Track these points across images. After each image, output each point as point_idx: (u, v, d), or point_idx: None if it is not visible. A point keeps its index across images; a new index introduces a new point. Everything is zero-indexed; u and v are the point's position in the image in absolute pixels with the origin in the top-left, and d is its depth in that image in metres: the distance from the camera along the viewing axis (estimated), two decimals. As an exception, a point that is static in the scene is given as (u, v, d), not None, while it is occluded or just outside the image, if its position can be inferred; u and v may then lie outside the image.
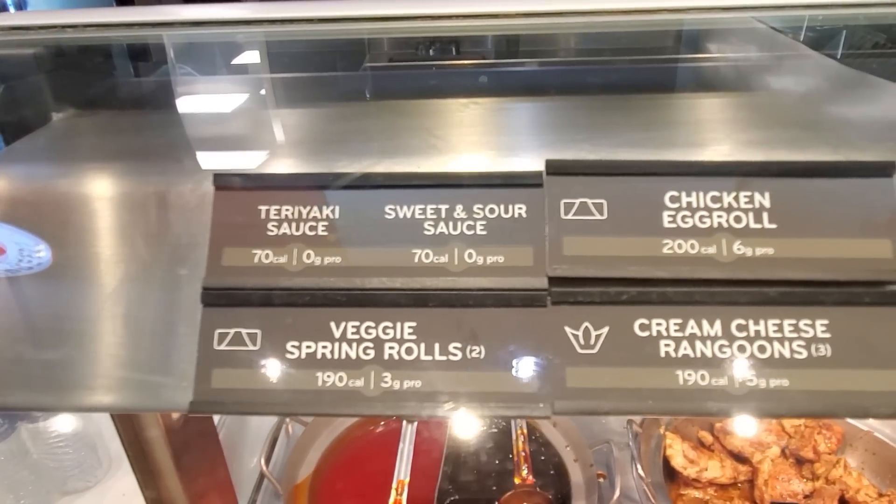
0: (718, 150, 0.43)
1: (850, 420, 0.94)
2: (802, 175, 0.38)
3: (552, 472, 0.94)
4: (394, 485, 0.81)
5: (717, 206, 0.37)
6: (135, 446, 0.63)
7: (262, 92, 0.69)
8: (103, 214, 0.41)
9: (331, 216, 0.39)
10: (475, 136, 0.49)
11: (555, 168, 0.39)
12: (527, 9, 0.53)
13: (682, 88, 0.66)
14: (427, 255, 0.38)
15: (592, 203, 0.38)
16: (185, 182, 0.41)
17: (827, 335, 0.35)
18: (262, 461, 0.91)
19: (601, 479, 0.93)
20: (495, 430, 1.02)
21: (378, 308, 0.37)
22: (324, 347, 0.37)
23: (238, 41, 0.72)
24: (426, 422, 0.98)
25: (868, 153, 0.39)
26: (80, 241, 0.40)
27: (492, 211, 0.38)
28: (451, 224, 0.38)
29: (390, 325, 0.37)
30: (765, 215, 0.37)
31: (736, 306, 0.36)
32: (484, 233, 0.38)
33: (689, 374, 0.35)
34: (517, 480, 0.88)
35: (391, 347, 0.37)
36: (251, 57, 0.73)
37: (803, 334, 0.35)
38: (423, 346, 0.37)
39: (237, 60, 0.73)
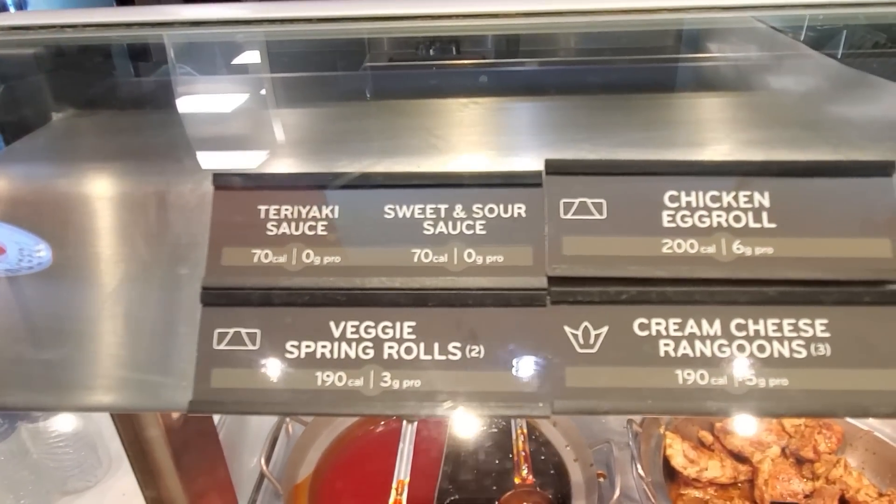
0: (718, 150, 0.43)
1: (850, 420, 0.94)
2: (802, 174, 0.38)
3: (552, 471, 0.94)
4: (394, 485, 0.82)
5: (717, 205, 0.37)
6: (135, 446, 0.63)
7: (262, 92, 0.69)
8: (103, 214, 0.41)
9: (330, 216, 0.39)
10: (475, 136, 0.49)
11: (554, 168, 0.39)
12: (527, 8, 0.53)
13: (682, 88, 0.66)
14: (426, 255, 0.38)
15: (592, 203, 0.38)
16: (185, 182, 0.41)
17: (826, 334, 0.35)
18: (262, 461, 0.91)
19: (601, 479, 0.93)
20: (495, 430, 1.02)
21: (377, 308, 0.37)
22: (323, 347, 0.37)
23: (238, 41, 0.72)
24: (426, 421, 0.98)
25: (868, 152, 0.39)
26: (80, 241, 0.40)
27: (491, 210, 0.38)
28: (450, 224, 0.38)
29: (390, 324, 0.37)
30: (764, 215, 0.37)
31: (735, 306, 0.36)
32: (483, 232, 0.38)
33: (689, 374, 0.35)
34: (517, 480, 0.88)
35: (391, 347, 0.37)
36: (251, 57, 0.73)
37: (803, 334, 0.35)
38: (422, 345, 0.37)
39: (237, 60, 0.73)
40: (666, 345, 0.36)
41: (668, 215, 0.37)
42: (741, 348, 0.35)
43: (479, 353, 0.36)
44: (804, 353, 0.35)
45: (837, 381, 0.35)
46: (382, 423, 1.04)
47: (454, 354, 0.37)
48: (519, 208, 0.38)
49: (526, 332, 0.37)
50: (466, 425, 1.02)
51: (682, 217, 0.37)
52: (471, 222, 0.38)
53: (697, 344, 0.36)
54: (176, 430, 0.63)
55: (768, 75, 0.66)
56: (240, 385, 0.37)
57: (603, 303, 0.36)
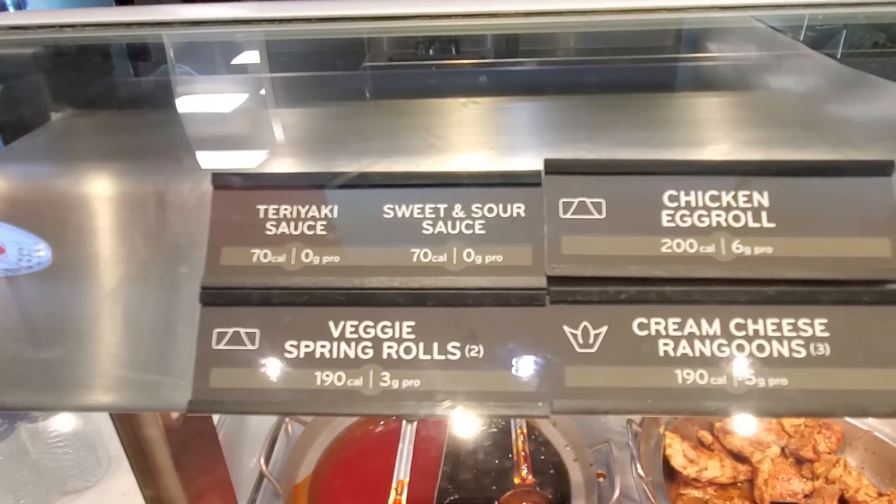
0: (717, 150, 0.43)
1: (849, 419, 0.94)
2: (801, 174, 0.38)
3: (552, 471, 0.94)
4: (393, 485, 0.81)
5: (716, 205, 0.37)
6: (134, 446, 0.63)
7: (262, 91, 0.69)
8: (102, 214, 0.41)
9: (329, 215, 0.39)
10: (474, 136, 0.49)
11: (553, 167, 0.39)
12: (526, 8, 0.53)
13: (682, 88, 0.66)
14: (426, 255, 0.38)
15: (591, 202, 0.38)
16: (184, 181, 0.41)
17: (826, 334, 0.35)
18: (262, 461, 0.91)
19: (601, 479, 0.93)
20: (495, 430, 1.02)
21: (377, 307, 0.37)
22: (322, 347, 0.37)
23: (237, 41, 0.72)
24: (425, 421, 0.98)
25: (867, 152, 0.39)
26: (80, 241, 0.40)
27: (490, 210, 0.38)
28: (449, 223, 0.38)
29: (389, 324, 0.37)
30: (763, 214, 0.37)
31: (735, 305, 0.36)
32: (483, 232, 0.38)
33: (688, 374, 0.35)
34: (517, 480, 0.88)
35: (390, 347, 0.37)
36: (250, 56, 0.73)
37: (802, 333, 0.35)
38: (421, 345, 0.37)
39: (236, 60, 0.73)
40: (665, 344, 0.36)
41: (668, 215, 0.37)
42: (740, 348, 0.35)
43: (478, 352, 0.36)
44: (803, 353, 0.35)
45: (837, 381, 0.35)
46: (382, 423, 1.04)
47: (453, 354, 0.37)
48: (518, 208, 0.38)
49: (525, 331, 0.37)
50: (466, 425, 1.02)
51: (682, 217, 0.37)
52: (470, 222, 0.38)
53: (697, 343, 0.36)
54: (175, 429, 0.63)
55: (768, 75, 0.66)
56: (239, 385, 0.37)
57: (602, 302, 0.36)
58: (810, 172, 0.38)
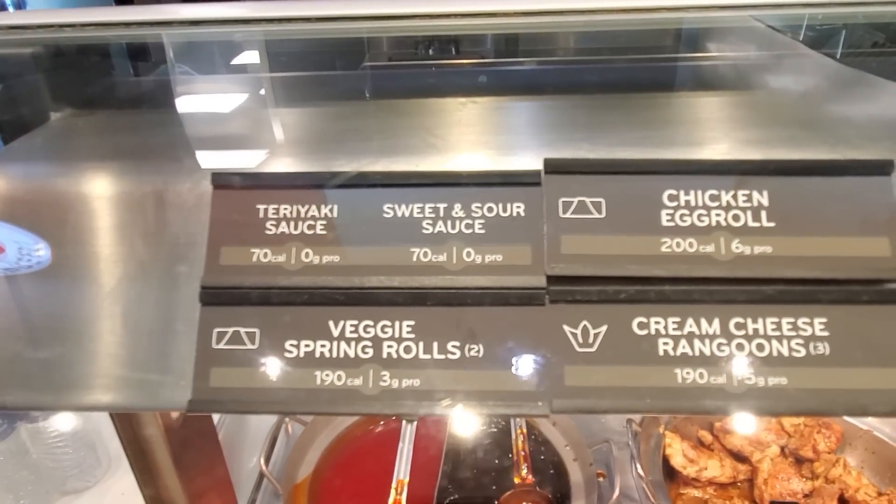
0: (717, 149, 0.43)
1: (849, 419, 0.94)
2: (801, 173, 0.38)
3: (552, 471, 0.94)
4: (393, 484, 0.81)
5: (716, 204, 0.37)
6: (134, 445, 0.63)
7: (261, 91, 0.69)
8: (102, 213, 0.41)
9: (329, 215, 0.39)
10: (474, 136, 0.49)
11: (553, 167, 0.39)
12: (526, 8, 0.53)
13: (681, 87, 0.66)
14: (425, 254, 0.38)
15: (591, 202, 0.38)
16: (184, 181, 0.41)
17: (825, 333, 0.35)
18: (262, 461, 0.91)
19: (601, 479, 0.93)
20: (495, 430, 1.02)
21: (377, 307, 0.37)
22: (322, 346, 0.37)
23: (237, 40, 0.72)
24: (425, 421, 0.98)
25: (866, 151, 0.39)
26: (79, 240, 0.40)
27: (490, 210, 0.38)
28: (449, 223, 0.38)
29: (389, 323, 0.37)
30: (763, 214, 0.37)
31: (734, 304, 0.36)
32: (482, 231, 0.38)
33: (688, 373, 0.35)
34: (517, 479, 0.88)
35: (390, 346, 0.37)
36: (250, 56, 0.73)
37: (802, 332, 0.35)
38: (421, 344, 0.37)
39: (236, 60, 0.73)
40: (665, 344, 0.36)
41: (667, 214, 0.37)
42: (740, 347, 0.35)
43: (478, 352, 0.36)
44: (803, 352, 0.35)
45: (836, 380, 0.35)
46: (382, 422, 1.04)
47: (453, 353, 0.37)
48: (518, 207, 0.38)
49: (525, 331, 0.37)
50: (466, 425, 1.02)
51: (681, 216, 0.37)
52: (470, 221, 0.38)
53: (696, 343, 0.36)
54: (175, 429, 0.63)
55: (767, 75, 0.66)
56: (239, 384, 0.37)
57: (602, 302, 0.36)
58: (810, 172, 0.38)
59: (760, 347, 0.35)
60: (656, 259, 0.36)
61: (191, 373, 0.37)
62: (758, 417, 0.94)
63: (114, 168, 0.43)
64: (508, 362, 0.36)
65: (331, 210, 0.39)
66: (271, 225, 0.39)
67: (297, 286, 0.38)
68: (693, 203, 0.37)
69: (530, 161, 0.39)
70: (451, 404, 0.36)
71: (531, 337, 0.36)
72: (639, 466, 0.86)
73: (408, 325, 0.37)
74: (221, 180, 0.40)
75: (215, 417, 0.90)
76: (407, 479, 0.82)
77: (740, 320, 0.36)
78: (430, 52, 0.78)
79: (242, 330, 0.37)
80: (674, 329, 0.36)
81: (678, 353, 0.35)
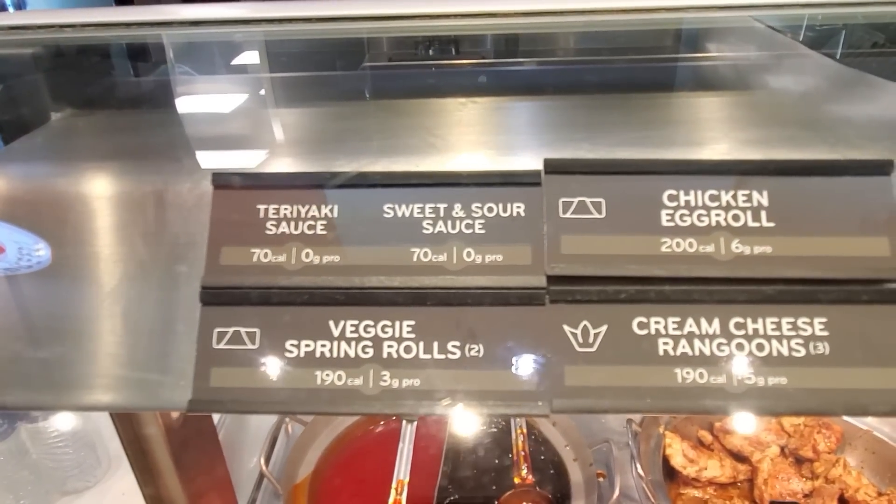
0: (717, 149, 0.43)
1: (849, 419, 0.94)
2: (800, 173, 0.38)
3: (552, 471, 0.94)
4: (393, 484, 0.81)
5: (716, 204, 0.37)
6: (134, 445, 0.63)
7: (261, 91, 0.69)
8: (102, 213, 0.41)
9: (329, 215, 0.39)
10: (474, 136, 0.49)
11: (553, 167, 0.39)
12: (526, 8, 0.53)
13: (681, 87, 0.66)
14: (426, 254, 0.38)
15: (591, 202, 0.38)
16: (184, 181, 0.41)
17: (825, 333, 0.35)
18: (262, 461, 0.91)
19: (601, 479, 0.93)
20: (495, 430, 1.02)
21: (377, 307, 0.37)
22: (322, 346, 0.37)
23: (237, 41, 0.72)
24: (426, 421, 0.98)
25: (866, 151, 0.39)
26: (80, 240, 0.40)
27: (490, 210, 0.38)
28: (449, 223, 0.38)
29: (389, 323, 0.37)
30: (763, 214, 0.37)
31: (734, 304, 0.36)
32: (482, 231, 0.38)
33: (688, 373, 0.35)
34: (517, 479, 0.88)
35: (390, 346, 0.37)
36: (250, 56, 0.73)
37: (801, 332, 0.35)
38: (421, 344, 0.37)
39: (236, 60, 0.73)
40: (665, 343, 0.36)
41: (667, 214, 0.37)
42: (740, 347, 0.35)
43: (478, 351, 0.37)
44: (803, 352, 0.35)
45: (836, 380, 0.35)
46: (382, 422, 1.04)
47: (453, 353, 0.37)
48: (518, 207, 0.38)
49: (525, 330, 0.37)
50: (466, 425, 1.02)
51: (681, 216, 0.37)
52: (470, 221, 0.38)
53: (696, 343, 0.36)
54: (175, 429, 0.63)
55: (767, 75, 0.66)
56: (239, 384, 0.37)
57: (602, 302, 0.37)
58: (809, 172, 0.38)
59: (760, 347, 0.35)
60: (656, 259, 0.36)
61: (191, 373, 0.37)
62: (758, 417, 0.94)
63: (114, 168, 0.43)
64: (508, 362, 0.36)
65: (331, 210, 0.39)
66: (271, 225, 0.39)
67: (297, 286, 0.38)
68: (693, 203, 0.37)
69: (530, 161, 0.39)
70: (451, 404, 0.36)
71: (531, 337, 0.36)
72: (639, 466, 0.86)
73: (408, 325, 0.37)
74: (221, 180, 0.40)
75: (215, 417, 0.90)
76: (407, 479, 0.82)
77: (740, 320, 0.36)
78: (430, 52, 0.78)
79: (243, 330, 0.37)
80: (674, 329, 0.36)
81: (678, 352, 0.36)
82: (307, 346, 0.37)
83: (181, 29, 0.59)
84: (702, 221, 0.37)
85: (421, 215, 0.38)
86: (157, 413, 0.61)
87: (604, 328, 0.36)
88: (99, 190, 0.41)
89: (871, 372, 0.35)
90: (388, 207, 0.39)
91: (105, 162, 0.44)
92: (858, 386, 0.35)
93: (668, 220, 0.37)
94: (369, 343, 0.37)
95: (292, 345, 0.37)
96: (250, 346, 0.37)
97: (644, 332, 0.36)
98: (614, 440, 0.95)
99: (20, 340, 0.39)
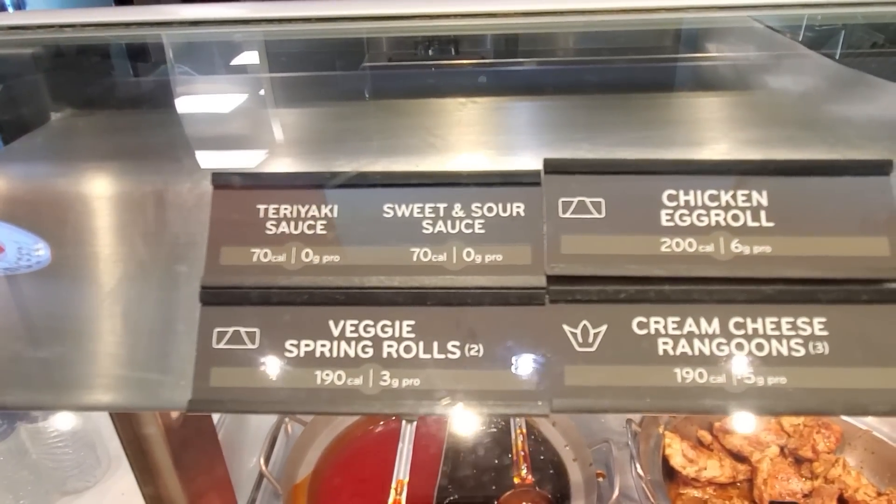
0: (716, 149, 0.43)
1: (848, 419, 0.94)
2: (800, 173, 0.38)
3: (551, 471, 0.95)
4: (393, 484, 0.82)
5: (715, 204, 0.37)
6: (133, 444, 0.63)
7: (261, 91, 0.69)
8: (102, 213, 0.41)
9: (329, 215, 0.39)
10: (473, 136, 0.50)
11: (553, 167, 0.39)
12: (525, 8, 0.53)
13: (680, 87, 0.66)
14: (426, 254, 0.38)
15: (590, 202, 0.38)
16: (184, 181, 0.41)
17: (824, 333, 0.35)
18: (262, 461, 0.91)
19: (600, 479, 0.93)
20: (494, 430, 1.02)
21: (377, 306, 0.37)
22: (322, 346, 0.37)
23: (237, 41, 0.72)
24: (425, 421, 0.98)
25: (865, 151, 0.39)
26: (79, 240, 0.40)
27: (490, 210, 0.38)
28: (449, 223, 0.38)
29: (389, 323, 0.37)
30: (762, 213, 0.37)
31: (734, 304, 0.36)
32: (482, 231, 0.38)
33: (688, 372, 0.35)
34: (516, 479, 0.88)
35: (390, 346, 0.37)
36: (250, 56, 0.73)
37: (801, 332, 0.35)
38: (421, 344, 0.37)
39: (236, 60, 0.73)
40: (664, 343, 0.36)
41: (667, 214, 0.37)
42: (739, 347, 0.35)
43: (478, 351, 0.37)
44: (802, 352, 0.35)
45: (835, 380, 0.35)
46: (382, 422, 1.04)
47: (453, 353, 0.37)
48: (518, 207, 0.38)
49: (525, 330, 0.37)
50: (466, 424, 1.02)
51: (681, 216, 0.37)
52: (470, 221, 0.38)
53: (696, 342, 0.36)
54: (175, 429, 0.63)
55: (766, 75, 0.66)
56: (239, 384, 0.37)
57: (601, 301, 0.37)
58: (809, 172, 0.38)
59: (760, 347, 0.35)
60: (656, 259, 0.37)
61: (191, 372, 0.37)
62: (757, 417, 0.94)
63: (114, 168, 0.43)
64: (508, 362, 0.36)
65: (331, 210, 0.39)
66: (271, 225, 0.39)
67: (297, 286, 0.38)
68: (693, 203, 0.37)
69: (530, 161, 0.39)
70: (451, 404, 0.36)
71: (531, 337, 0.36)
72: (638, 466, 0.86)
73: (408, 325, 0.37)
74: (221, 180, 0.40)
75: (215, 417, 0.90)
76: (407, 479, 0.82)
77: (740, 320, 0.36)
78: (430, 52, 0.78)
79: (242, 330, 0.37)
80: (673, 329, 0.36)
81: (678, 352, 0.36)
82: (307, 345, 0.37)
83: (181, 29, 0.59)
84: (701, 221, 0.37)
85: (421, 215, 0.39)
86: (157, 413, 0.61)
87: (603, 328, 0.36)
88: (99, 190, 0.41)
89: (870, 372, 0.35)
90: (388, 207, 0.39)
91: (105, 162, 0.44)
92: (858, 386, 0.35)
93: (667, 220, 0.37)
94: (369, 343, 0.37)
95: (292, 345, 0.37)
96: (250, 346, 0.37)
97: (644, 331, 0.36)
98: (614, 440, 0.95)
99: (20, 340, 0.39)
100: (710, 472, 0.88)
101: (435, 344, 0.37)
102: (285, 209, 0.39)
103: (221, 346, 0.37)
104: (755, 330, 0.36)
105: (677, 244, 0.37)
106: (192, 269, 0.39)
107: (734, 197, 0.37)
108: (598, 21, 0.54)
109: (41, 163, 0.47)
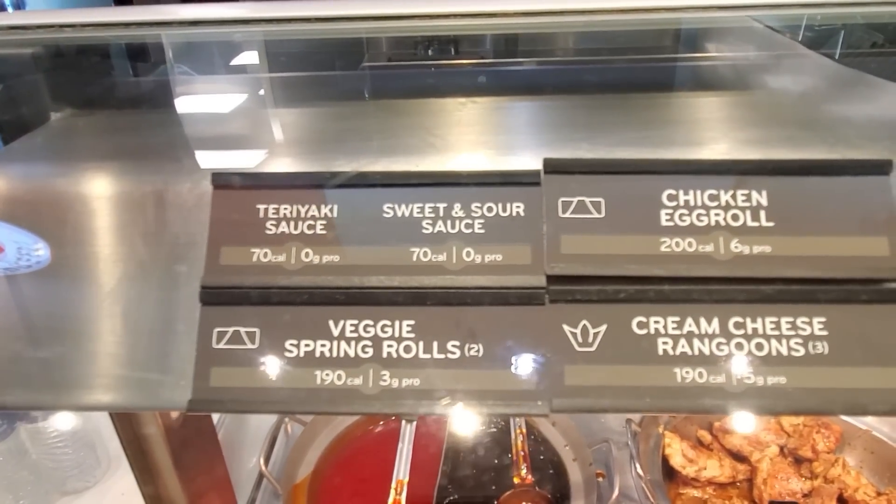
0: (716, 149, 0.43)
1: (848, 419, 0.94)
2: (799, 173, 0.38)
3: (551, 471, 0.95)
4: (393, 484, 0.82)
5: (715, 204, 0.37)
6: (133, 444, 0.63)
7: (261, 91, 0.69)
8: (102, 213, 0.41)
9: (329, 215, 0.39)
10: (473, 135, 0.50)
11: (552, 166, 0.39)
12: (525, 8, 0.53)
13: (680, 87, 0.66)
14: (425, 254, 0.38)
15: (590, 201, 0.38)
16: (184, 181, 0.41)
17: (824, 332, 0.35)
18: (262, 461, 0.91)
19: (600, 479, 0.93)
20: (494, 430, 1.02)
21: (376, 306, 0.37)
22: (322, 346, 0.37)
23: (236, 40, 0.72)
24: (425, 420, 0.99)
25: (865, 151, 0.39)
26: (79, 240, 0.40)
27: (490, 209, 0.39)
28: (449, 222, 0.38)
29: (389, 323, 0.37)
30: (762, 213, 0.37)
31: (733, 304, 0.36)
32: (482, 231, 0.38)
33: (687, 372, 0.35)
34: (516, 479, 0.88)
35: (390, 346, 0.37)
36: (249, 56, 0.73)
37: (801, 332, 0.35)
38: (421, 344, 0.37)
39: (235, 60, 0.73)
40: (664, 343, 0.36)
41: (667, 214, 0.37)
42: (739, 346, 0.35)
43: (477, 351, 0.37)
44: (802, 352, 0.35)
45: (835, 379, 0.35)
46: (381, 422, 1.04)
47: (453, 353, 0.37)
48: (517, 207, 0.38)
49: (524, 330, 0.37)
50: (465, 424, 1.02)
51: (681, 216, 0.37)
52: (469, 221, 0.38)
53: (696, 342, 0.36)
54: (175, 428, 0.63)
55: (766, 75, 0.66)
56: (239, 384, 0.37)
57: (601, 301, 0.37)
58: (808, 171, 0.38)
59: (759, 347, 0.35)
60: (656, 259, 0.37)
61: (191, 372, 0.37)
62: (757, 417, 0.94)
63: (114, 168, 0.43)
64: (508, 362, 0.36)
65: (331, 210, 0.39)
66: (271, 225, 0.39)
67: (297, 286, 0.38)
68: (692, 203, 0.37)
69: (530, 161, 0.39)
70: (451, 404, 0.36)
71: (531, 336, 0.36)
72: (638, 466, 0.86)
73: (408, 325, 0.37)
74: (221, 180, 0.40)
75: (215, 417, 0.90)
76: (406, 479, 0.82)
77: (739, 320, 0.36)
78: (430, 52, 0.78)
79: (242, 329, 0.37)
80: (673, 328, 0.36)
81: (677, 352, 0.36)
82: (307, 345, 0.37)
83: (180, 29, 0.59)
84: (701, 221, 0.37)
85: (421, 215, 0.39)
86: (157, 413, 0.61)
87: (603, 328, 0.36)
88: (99, 190, 0.41)
89: (870, 371, 0.35)
90: (388, 207, 0.39)
91: (105, 162, 0.45)
92: (857, 385, 0.35)
93: (667, 220, 0.37)
94: (369, 343, 0.37)
95: (292, 344, 0.37)
96: (250, 346, 0.37)
97: (643, 331, 0.36)
98: (614, 440, 0.95)
99: (20, 340, 0.39)
100: (709, 472, 0.89)
101: (435, 344, 0.37)
102: (285, 209, 0.39)
103: (221, 346, 0.37)
104: (755, 330, 0.36)
105: (677, 244, 0.37)
106: (192, 269, 0.39)
107: (734, 197, 0.37)
108: (598, 21, 0.54)
109: (41, 163, 0.47)
